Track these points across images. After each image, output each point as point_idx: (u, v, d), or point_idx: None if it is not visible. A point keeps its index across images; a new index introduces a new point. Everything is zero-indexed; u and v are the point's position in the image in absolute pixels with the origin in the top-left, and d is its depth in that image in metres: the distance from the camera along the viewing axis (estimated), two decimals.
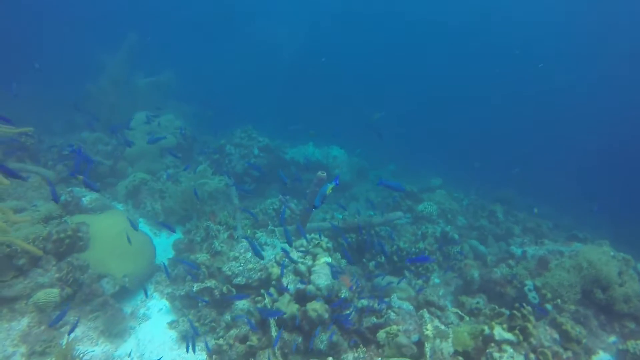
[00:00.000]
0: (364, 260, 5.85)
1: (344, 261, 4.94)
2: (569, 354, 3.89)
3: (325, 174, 4.72)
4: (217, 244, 5.11)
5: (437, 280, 6.30)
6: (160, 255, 5.75)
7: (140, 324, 4.59)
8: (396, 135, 15.90)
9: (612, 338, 5.10)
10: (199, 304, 4.60)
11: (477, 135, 20.78)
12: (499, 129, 22.14)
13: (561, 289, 5.10)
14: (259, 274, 4.63)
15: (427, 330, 3.39)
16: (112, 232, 5.13)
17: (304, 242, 4.66)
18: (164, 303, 4.93)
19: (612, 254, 5.55)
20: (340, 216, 6.96)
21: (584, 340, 4.45)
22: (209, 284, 4.65)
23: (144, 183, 7.48)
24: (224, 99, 17.69)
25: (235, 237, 5.71)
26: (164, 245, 6.25)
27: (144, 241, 5.40)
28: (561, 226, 9.64)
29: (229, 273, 4.71)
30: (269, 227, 5.74)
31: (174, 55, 20.81)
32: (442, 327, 3.50)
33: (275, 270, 4.46)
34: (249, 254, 4.88)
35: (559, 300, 5.06)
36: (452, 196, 9.98)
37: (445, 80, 26.67)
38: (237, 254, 4.97)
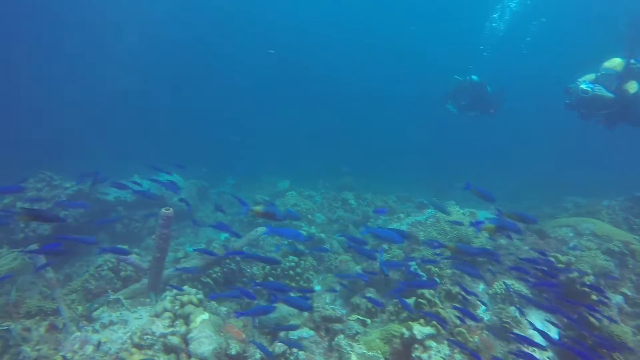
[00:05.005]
0: None
1: (223, 308, 3.96)
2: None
3: (171, 210, 3.63)
4: (28, 350, 3.39)
5: (318, 288, 5.86)
6: None
7: None
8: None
9: (482, 285, 5.64)
10: None
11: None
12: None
13: (438, 258, 5.35)
14: None
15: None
16: None
17: (167, 304, 3.47)
18: None
19: (462, 211, 6.19)
20: (191, 250, 5.88)
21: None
22: None
23: None
24: None
25: (62, 325, 4.03)
26: None
27: None
28: (402, 197, 10.54)
29: None
30: (110, 296, 4.19)
31: None
32: (367, 351, 3.00)
33: (136, 358, 3.17)
34: (90, 348, 3.39)
35: (437, 269, 5.29)
36: (303, 195, 9.74)
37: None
38: (69, 354, 3.39)
